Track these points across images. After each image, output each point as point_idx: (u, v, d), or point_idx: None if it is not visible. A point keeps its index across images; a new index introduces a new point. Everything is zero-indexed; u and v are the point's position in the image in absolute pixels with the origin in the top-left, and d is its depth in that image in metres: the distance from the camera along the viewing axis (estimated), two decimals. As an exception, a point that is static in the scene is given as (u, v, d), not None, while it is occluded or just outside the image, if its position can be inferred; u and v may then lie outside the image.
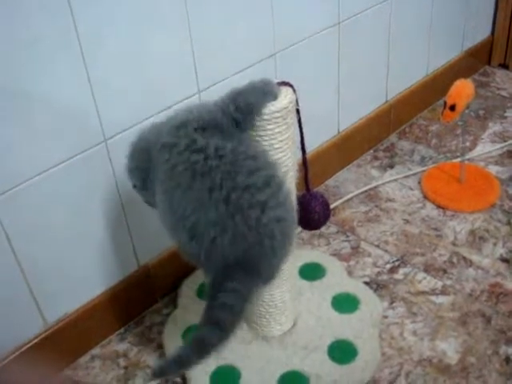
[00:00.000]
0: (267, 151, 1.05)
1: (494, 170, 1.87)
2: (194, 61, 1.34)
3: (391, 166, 1.89)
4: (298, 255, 1.51)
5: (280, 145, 1.09)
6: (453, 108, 1.58)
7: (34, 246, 1.24)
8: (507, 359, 1.34)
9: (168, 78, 1.31)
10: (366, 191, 1.80)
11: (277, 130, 1.07)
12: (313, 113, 1.54)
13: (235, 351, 1.34)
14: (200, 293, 1.48)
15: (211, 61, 1.38)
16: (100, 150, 1.26)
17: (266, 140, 1.08)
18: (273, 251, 0.97)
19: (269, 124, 1.06)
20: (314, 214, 1.56)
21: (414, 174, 1.86)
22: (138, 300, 1.48)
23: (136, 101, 1.27)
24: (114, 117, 1.25)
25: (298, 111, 1.19)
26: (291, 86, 1.11)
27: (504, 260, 1.57)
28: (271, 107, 1.05)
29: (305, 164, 1.56)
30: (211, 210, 0.94)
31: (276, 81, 1.09)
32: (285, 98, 1.07)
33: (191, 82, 1.36)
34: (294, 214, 1.04)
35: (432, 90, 2.11)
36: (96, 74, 1.18)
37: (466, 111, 1.68)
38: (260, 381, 1.28)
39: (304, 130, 1.49)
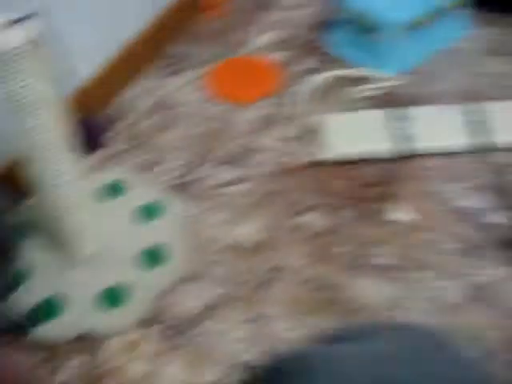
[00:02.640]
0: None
1: (273, 56, 1.96)
2: None
3: (176, 73, 1.93)
4: (96, 178, 1.56)
5: (39, 77, 1.09)
6: (212, 4, 1.61)
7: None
8: (302, 228, 1.49)
9: None
10: (155, 102, 1.83)
11: (32, 64, 1.06)
12: (87, 35, 1.55)
13: (54, 281, 1.38)
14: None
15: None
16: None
17: (22, 75, 1.06)
18: None
19: (20, 59, 1.05)
20: (94, 137, 1.61)
21: (200, 76, 1.91)
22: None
23: None
24: None
25: (55, 38, 1.19)
26: (32, 17, 1.09)
27: (291, 139, 1.70)
28: (18, 42, 1.04)
29: (80, 89, 1.59)
30: None
31: (13, 18, 1.07)
32: (18, 37, 1.03)
33: None
34: None
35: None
36: None
37: (240, 2, 1.71)
38: (82, 302, 1.35)
39: (80, 54, 1.50)
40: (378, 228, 1.48)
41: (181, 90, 1.87)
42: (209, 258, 1.44)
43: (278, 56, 1.96)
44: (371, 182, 1.57)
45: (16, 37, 1.04)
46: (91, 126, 1.60)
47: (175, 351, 1.30)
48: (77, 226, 1.35)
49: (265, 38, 2.03)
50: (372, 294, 1.36)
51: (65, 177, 1.25)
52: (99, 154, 1.67)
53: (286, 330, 1.31)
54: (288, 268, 1.41)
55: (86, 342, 1.32)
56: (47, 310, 1.34)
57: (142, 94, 1.86)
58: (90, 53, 1.67)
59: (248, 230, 1.49)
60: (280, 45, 2.00)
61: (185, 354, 1.29)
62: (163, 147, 1.70)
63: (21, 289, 1.37)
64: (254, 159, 1.65)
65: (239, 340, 1.31)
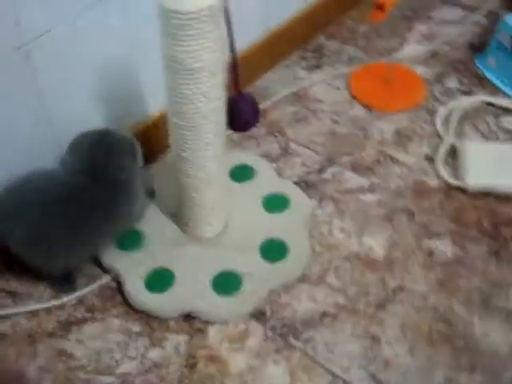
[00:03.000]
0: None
1: (420, 70, 1.89)
2: None
3: (319, 67, 1.89)
4: (228, 157, 1.51)
5: (209, 44, 1.07)
6: (381, 7, 1.57)
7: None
8: (429, 252, 1.41)
9: None
10: (294, 92, 1.79)
11: (206, 29, 1.04)
12: (241, 12, 1.51)
13: (168, 253, 1.35)
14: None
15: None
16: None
17: (195, 39, 1.05)
18: None
19: (197, 23, 1.03)
20: (243, 115, 1.56)
21: (342, 75, 1.86)
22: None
23: None
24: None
25: (226, 9, 1.16)
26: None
27: (428, 158, 1.61)
28: (199, 5, 1.02)
29: (235, 65, 1.54)
30: None
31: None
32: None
33: None
34: None
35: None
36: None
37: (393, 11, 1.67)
38: (194, 281, 1.30)
39: (238, 25, 1.46)
40: (512, 270, 1.39)
41: (321, 85, 1.81)
42: (330, 263, 1.38)
43: (425, 70, 1.88)
44: (512, 221, 1.48)
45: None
46: (243, 103, 1.56)
47: (281, 352, 1.24)
48: (206, 203, 1.31)
49: (414, 50, 1.96)
50: (498, 339, 1.26)
51: (209, 150, 1.21)
52: (236, 134, 1.63)
53: (398, 356, 1.23)
54: (411, 291, 1.33)
55: (190, 322, 1.28)
56: (157, 281, 1.30)
57: (282, 80, 1.81)
58: (247, 27, 1.64)
59: (373, 243, 1.42)
60: (429, 59, 1.92)
61: (290, 357, 1.23)
62: (296, 139, 1.65)
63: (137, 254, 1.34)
64: (388, 171, 1.58)
65: (349, 355, 1.23)
